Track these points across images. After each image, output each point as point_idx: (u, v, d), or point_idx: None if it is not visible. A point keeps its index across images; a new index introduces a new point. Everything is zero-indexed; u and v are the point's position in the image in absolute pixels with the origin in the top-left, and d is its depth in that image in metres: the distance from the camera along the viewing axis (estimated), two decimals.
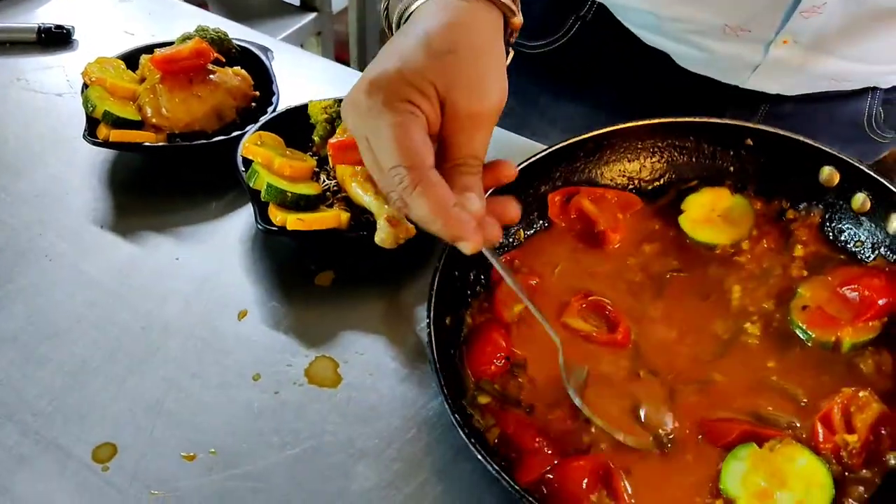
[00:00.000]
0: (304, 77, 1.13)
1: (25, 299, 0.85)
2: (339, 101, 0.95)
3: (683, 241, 0.84)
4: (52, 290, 0.86)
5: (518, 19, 0.71)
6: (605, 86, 1.06)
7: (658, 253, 0.84)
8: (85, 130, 0.95)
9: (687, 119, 0.87)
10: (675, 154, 0.88)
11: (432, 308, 0.73)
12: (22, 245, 0.90)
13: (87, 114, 0.96)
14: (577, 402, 0.70)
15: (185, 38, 1.03)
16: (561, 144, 0.85)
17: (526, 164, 0.83)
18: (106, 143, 0.94)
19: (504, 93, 0.66)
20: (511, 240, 0.85)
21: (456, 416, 0.65)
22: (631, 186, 0.88)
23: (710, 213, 0.85)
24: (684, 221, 0.85)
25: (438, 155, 0.64)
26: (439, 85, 0.62)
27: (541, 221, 0.86)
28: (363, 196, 0.87)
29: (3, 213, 0.93)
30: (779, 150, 0.84)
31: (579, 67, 1.06)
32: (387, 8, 0.76)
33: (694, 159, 0.88)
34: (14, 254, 0.89)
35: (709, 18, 0.91)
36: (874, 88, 1.00)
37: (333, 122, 0.95)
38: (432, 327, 0.71)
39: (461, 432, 0.64)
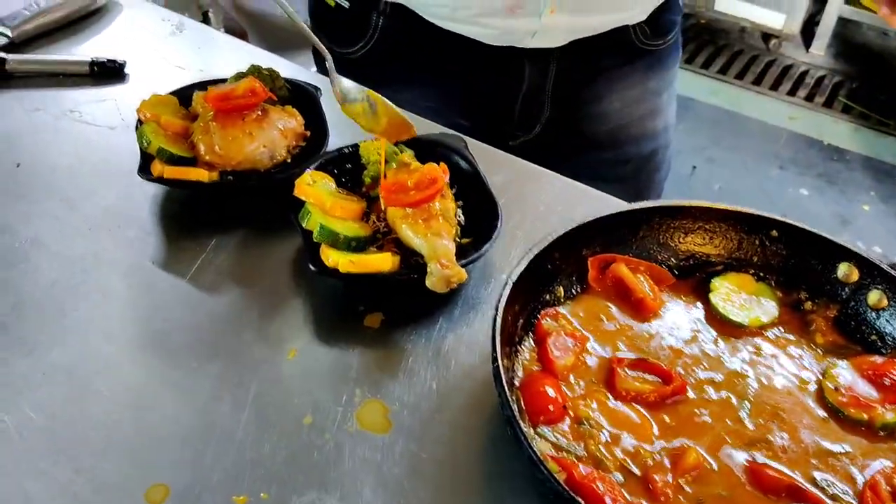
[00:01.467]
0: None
1: (77, 335, 0.85)
2: (395, 142, 0.97)
3: (714, 316, 0.87)
4: (104, 323, 0.86)
5: None
6: (424, 73, 1.20)
7: (698, 321, 0.86)
8: (140, 166, 0.96)
9: (720, 206, 0.90)
10: (706, 237, 0.91)
11: (497, 347, 0.72)
12: (76, 278, 0.91)
13: (141, 149, 0.98)
14: None
15: (239, 76, 1.04)
16: (605, 214, 0.87)
17: (572, 228, 0.84)
18: (160, 180, 0.95)
19: None
20: (549, 297, 0.85)
21: (532, 448, 0.65)
22: (663, 262, 0.91)
23: (738, 295, 0.87)
24: (715, 299, 0.87)
25: None
26: None
27: (579, 284, 0.87)
28: (414, 239, 0.88)
29: (57, 244, 0.94)
30: (801, 242, 0.87)
31: (396, 61, 1.21)
32: None
33: (721, 244, 0.91)
34: (67, 287, 0.90)
35: (488, 3, 1.10)
36: (626, 27, 1.19)
37: (386, 163, 0.95)
38: (499, 362, 0.71)
39: (532, 454, 0.65)
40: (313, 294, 0.91)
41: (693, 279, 0.90)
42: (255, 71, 1.05)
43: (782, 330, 0.85)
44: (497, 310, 0.74)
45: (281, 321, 0.88)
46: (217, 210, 1.01)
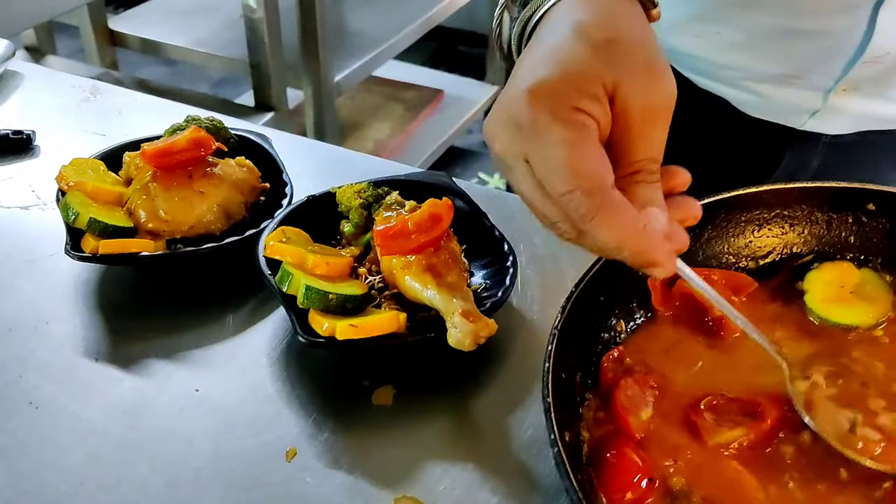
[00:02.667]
0: (307, 164, 0.98)
1: (8, 460, 0.66)
2: (375, 183, 0.82)
3: (811, 323, 0.71)
4: (42, 445, 0.67)
5: (657, 11, 0.61)
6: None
7: (789, 339, 0.70)
8: (67, 244, 0.78)
9: (796, 185, 0.75)
10: (785, 225, 0.76)
11: (554, 424, 0.56)
12: (1, 391, 0.71)
13: (67, 224, 0.80)
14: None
15: (176, 129, 0.88)
16: None
17: None
18: (95, 258, 0.77)
19: (674, 81, 0.55)
20: (609, 335, 0.70)
21: None
22: (738, 265, 0.76)
23: (839, 291, 0.72)
24: (812, 301, 0.71)
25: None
26: (608, 80, 0.52)
27: (641, 312, 0.72)
28: (422, 291, 0.72)
29: None
30: None
31: None
32: (500, 24, 0.65)
33: (807, 230, 0.76)
34: None
35: (765, 67, 0.87)
36: None
37: (370, 207, 0.80)
38: (560, 445, 0.55)
39: None
40: (303, 375, 0.74)
41: (779, 279, 0.74)
42: (197, 121, 0.89)
43: None
44: (547, 370, 0.58)
45: (270, 413, 0.70)
46: (168, 288, 0.83)
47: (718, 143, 0.96)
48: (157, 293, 0.82)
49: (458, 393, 0.73)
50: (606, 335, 0.69)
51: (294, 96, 2.35)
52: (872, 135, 0.92)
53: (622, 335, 0.70)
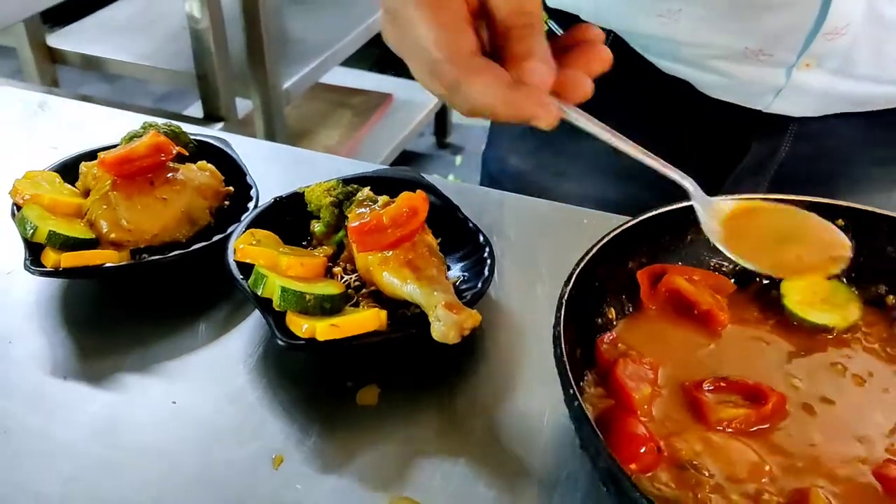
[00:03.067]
0: (269, 166, 0.96)
1: None
2: (344, 181, 0.80)
3: (791, 325, 0.71)
4: (15, 471, 0.64)
5: None
6: (626, 117, 0.93)
7: (772, 334, 0.71)
8: (26, 259, 0.75)
9: (770, 197, 0.75)
10: None
11: (570, 377, 0.55)
12: None
13: (25, 239, 0.76)
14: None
15: (133, 136, 0.85)
16: (647, 216, 0.71)
17: (612, 235, 0.68)
18: (57, 272, 0.74)
19: None
20: (602, 321, 0.69)
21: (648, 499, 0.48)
22: (717, 269, 0.76)
23: (812, 298, 0.73)
24: (791, 304, 0.72)
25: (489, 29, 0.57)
26: None
27: (630, 304, 0.71)
28: (402, 286, 0.71)
29: None
30: (873, 229, 0.73)
31: (596, 101, 0.93)
32: None
33: None
34: None
35: (729, 42, 0.85)
36: None
37: (341, 204, 0.78)
38: (579, 398, 0.54)
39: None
40: (283, 379, 0.72)
41: (755, 285, 0.75)
42: (154, 127, 0.86)
43: (870, 331, 0.71)
44: (558, 334, 0.58)
45: (252, 420, 0.68)
46: (135, 299, 0.80)
47: (686, 133, 0.95)
48: (124, 306, 0.79)
49: (443, 388, 0.71)
50: (600, 321, 0.68)
51: (242, 106, 2.31)
52: (840, 125, 0.92)
53: (614, 322, 0.69)
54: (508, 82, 0.54)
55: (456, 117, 3.36)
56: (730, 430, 0.60)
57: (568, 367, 0.55)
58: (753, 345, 0.69)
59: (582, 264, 0.65)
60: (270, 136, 2.37)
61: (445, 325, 0.66)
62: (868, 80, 0.85)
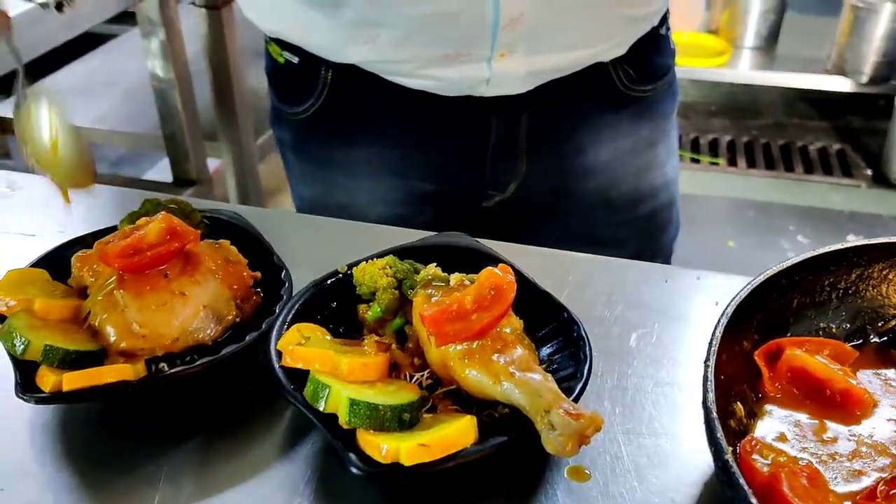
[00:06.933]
0: (286, 240, 0.82)
1: None
2: (399, 254, 0.67)
3: None
4: None
5: None
6: (381, 133, 1.02)
7: None
8: (17, 384, 0.60)
9: (880, 242, 0.65)
10: (871, 284, 0.67)
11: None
12: None
13: (14, 358, 0.61)
14: None
15: (135, 216, 0.71)
16: (760, 280, 0.59)
17: (734, 310, 0.57)
18: (59, 397, 0.59)
19: None
20: (734, 423, 0.57)
21: None
22: (828, 333, 0.66)
23: None
24: None
25: None
26: None
27: (753, 395, 0.60)
28: (495, 385, 0.58)
29: None
30: None
31: (351, 120, 1.03)
32: None
33: (885, 288, 0.67)
34: None
35: (429, 53, 0.92)
36: (602, 63, 0.98)
37: (401, 285, 0.65)
38: None
39: None
40: None
41: (872, 344, 0.65)
42: (160, 204, 0.72)
43: None
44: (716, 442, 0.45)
45: None
46: (155, 422, 0.65)
47: (434, 130, 1.00)
48: (142, 431, 0.64)
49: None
50: (732, 422, 0.56)
51: (210, 165, 2.18)
52: (555, 88, 0.96)
53: (744, 421, 0.57)
54: None
55: None
56: None
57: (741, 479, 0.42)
58: None
59: (717, 341, 0.53)
60: (243, 195, 2.23)
61: (563, 434, 0.53)
62: (555, 51, 0.93)
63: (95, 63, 2.46)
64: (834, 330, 0.66)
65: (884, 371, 0.63)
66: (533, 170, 1.02)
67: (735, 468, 0.46)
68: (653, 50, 1.03)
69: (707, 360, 0.54)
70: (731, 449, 0.49)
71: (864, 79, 2.36)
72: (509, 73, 0.93)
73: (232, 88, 2.00)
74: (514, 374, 0.57)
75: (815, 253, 0.64)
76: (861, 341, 0.66)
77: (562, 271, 0.81)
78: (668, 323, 0.74)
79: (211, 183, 2.14)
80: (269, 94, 1.09)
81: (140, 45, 1.92)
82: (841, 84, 2.41)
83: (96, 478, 0.61)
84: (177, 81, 1.86)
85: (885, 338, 0.66)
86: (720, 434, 0.48)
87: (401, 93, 0.96)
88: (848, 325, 0.66)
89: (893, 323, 0.66)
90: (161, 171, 2.13)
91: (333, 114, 1.02)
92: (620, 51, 0.98)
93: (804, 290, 0.64)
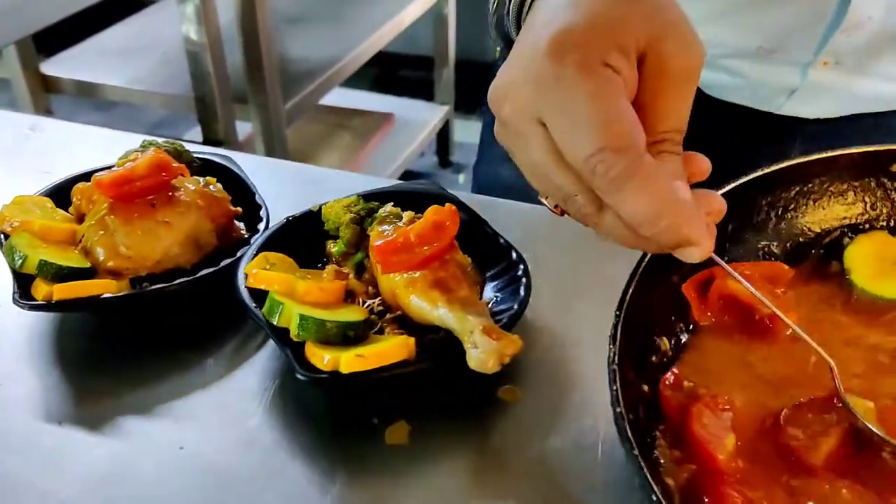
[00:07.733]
0: (276, 185, 0.89)
1: None
2: (365, 196, 0.73)
3: (860, 305, 0.63)
4: None
5: None
6: None
7: (844, 325, 0.62)
8: (15, 292, 0.68)
9: (813, 158, 0.67)
10: (808, 203, 0.68)
11: (650, 479, 0.46)
12: None
13: (13, 270, 0.69)
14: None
15: (131, 155, 0.78)
16: None
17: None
18: (49, 306, 0.67)
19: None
20: (658, 356, 0.60)
21: None
22: (765, 254, 0.67)
23: (881, 265, 0.65)
24: (860, 280, 0.64)
25: None
26: (640, 34, 0.46)
27: (681, 325, 0.62)
28: (431, 310, 0.64)
29: None
30: None
31: None
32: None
33: (826, 205, 0.68)
34: None
35: (742, 40, 0.82)
36: None
37: (362, 222, 0.71)
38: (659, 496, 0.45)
39: None
40: (300, 418, 0.65)
41: (810, 262, 0.67)
42: (155, 144, 0.79)
43: None
44: (620, 415, 0.48)
45: (271, 467, 0.61)
46: (137, 333, 0.73)
47: (695, 142, 0.89)
48: (124, 341, 0.72)
49: (480, 422, 0.64)
50: (654, 358, 0.59)
51: (241, 129, 2.25)
52: (849, 126, 0.85)
53: (669, 355, 0.60)
54: (677, 195, 0.45)
55: (458, 135, 3.29)
56: (831, 470, 0.51)
57: (636, 448, 0.46)
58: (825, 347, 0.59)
59: (633, 284, 0.57)
60: (271, 155, 2.31)
61: (484, 352, 0.59)
62: (884, 77, 0.81)
63: (137, 26, 2.56)
64: (774, 250, 0.67)
65: (811, 291, 0.64)
66: None
67: (625, 421, 0.48)
68: None
69: (630, 280, 0.56)
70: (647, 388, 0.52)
71: None
72: (821, 88, 0.81)
73: (263, 53, 2.08)
74: (449, 301, 0.64)
75: (751, 177, 0.64)
76: (802, 260, 0.66)
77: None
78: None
79: (239, 145, 2.22)
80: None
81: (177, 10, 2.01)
82: None
83: (84, 379, 0.69)
84: (209, 45, 1.94)
85: (823, 251, 0.67)
86: (618, 388, 0.49)
87: None
88: (789, 245, 0.67)
89: (835, 234, 0.67)
90: (197, 134, 2.22)
91: None
92: None
93: (739, 214, 0.65)
